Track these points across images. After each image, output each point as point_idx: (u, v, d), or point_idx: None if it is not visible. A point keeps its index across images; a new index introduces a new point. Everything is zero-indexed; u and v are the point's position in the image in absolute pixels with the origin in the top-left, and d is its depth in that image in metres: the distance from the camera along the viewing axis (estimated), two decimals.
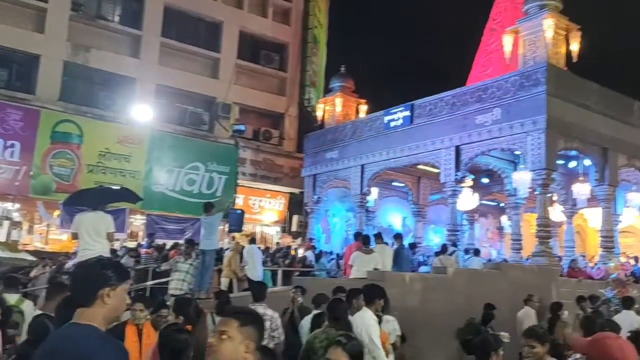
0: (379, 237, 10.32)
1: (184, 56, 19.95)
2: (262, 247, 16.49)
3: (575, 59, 12.92)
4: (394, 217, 20.50)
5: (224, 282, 11.33)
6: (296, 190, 20.61)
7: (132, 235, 17.88)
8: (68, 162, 16.63)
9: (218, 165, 18.70)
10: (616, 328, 4.52)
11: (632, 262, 15.30)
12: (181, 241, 13.35)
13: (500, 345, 3.67)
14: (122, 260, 10.92)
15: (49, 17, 17.44)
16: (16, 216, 16.33)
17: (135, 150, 17.63)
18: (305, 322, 6.29)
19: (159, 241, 15.17)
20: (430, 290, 9.63)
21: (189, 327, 4.46)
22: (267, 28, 21.79)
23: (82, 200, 9.05)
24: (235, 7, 21.21)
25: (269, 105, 21.53)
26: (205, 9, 20.40)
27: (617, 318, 7.79)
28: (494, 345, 3.59)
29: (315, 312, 5.88)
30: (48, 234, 17.53)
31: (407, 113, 15.01)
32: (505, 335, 5.85)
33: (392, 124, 15.49)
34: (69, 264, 10.96)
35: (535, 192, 12.56)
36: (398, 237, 11.37)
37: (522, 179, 13.65)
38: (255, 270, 11.43)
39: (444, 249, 12.07)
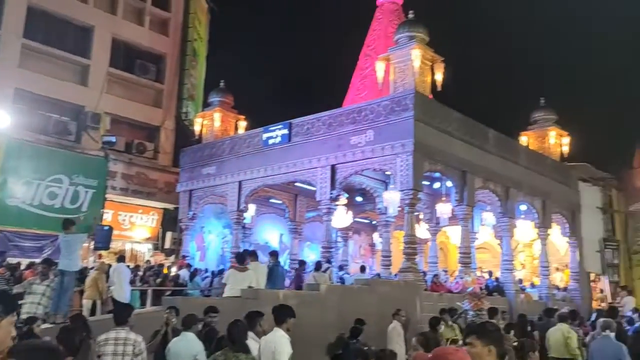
0: (253, 254, 10.27)
1: (49, 60, 18.50)
2: (132, 265, 15.68)
3: (439, 88, 13.97)
4: (271, 234, 20.55)
5: (86, 305, 10.58)
6: (170, 206, 19.90)
7: None
8: None
9: (85, 178, 17.46)
10: None
11: (487, 276, 16.74)
12: (38, 260, 12.24)
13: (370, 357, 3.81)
14: None
15: None
16: None
17: None
18: (173, 345, 6.06)
19: (13, 260, 13.82)
20: (304, 306, 9.74)
21: (70, 358, 4.16)
22: (144, 37, 20.98)
23: None
24: (108, 12, 20.17)
25: (144, 117, 20.65)
26: (74, 11, 19.11)
27: None
28: (363, 356, 3.74)
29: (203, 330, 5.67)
30: None
31: (286, 131, 15.20)
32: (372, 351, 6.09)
33: (271, 141, 15.59)
34: None
35: (404, 211, 13.26)
36: (273, 254, 11.41)
37: (392, 198, 14.40)
38: (122, 290, 10.82)
39: (317, 266, 12.32)
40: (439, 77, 13.84)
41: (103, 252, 14.96)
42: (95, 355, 5.41)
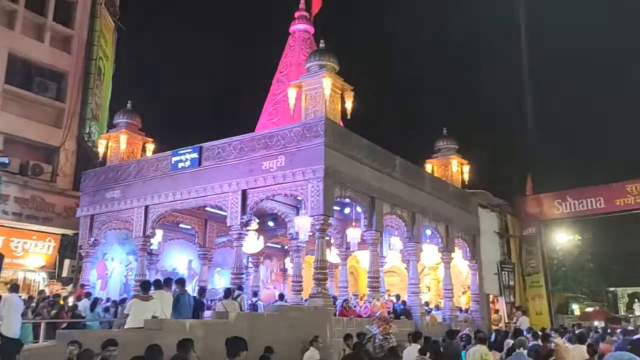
0: (157, 283, 9.86)
1: None
2: (25, 296, 14.52)
3: (349, 116, 14.34)
4: (180, 260, 19.89)
5: None
6: (70, 232, 18.72)
7: None
8: None
9: None
10: None
11: (394, 299, 17.15)
12: None
13: None
14: None
15: None
16: None
17: None
18: None
19: None
20: (213, 336, 9.45)
21: None
22: (44, 54, 19.86)
23: None
24: (5, 26, 18.97)
25: (42, 137, 19.41)
26: None
27: (405, 352, 8.76)
28: None
29: None
30: None
31: (196, 155, 14.87)
32: None
33: (180, 165, 15.18)
34: None
35: (315, 236, 13.33)
36: (179, 282, 11.01)
37: (303, 224, 14.46)
38: (12, 324, 9.93)
39: (227, 293, 12.03)
40: (348, 105, 14.22)
41: None
42: None
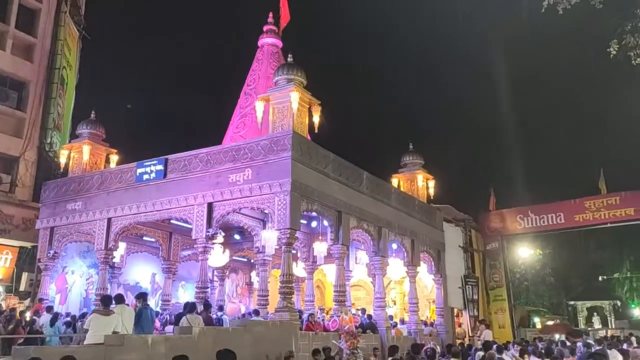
0: (119, 297, 9.65)
1: None
2: None
3: (316, 130, 14.41)
4: (143, 274, 19.51)
5: None
6: (28, 244, 18.16)
7: None
8: None
9: None
10: None
11: (360, 313, 17.17)
12: None
13: None
14: None
15: None
16: None
17: None
18: None
19: None
20: (176, 351, 9.26)
21: None
22: (5, 62, 19.35)
23: None
24: None
25: (1, 147, 18.82)
26: None
27: None
28: None
29: None
30: None
31: (161, 167, 14.67)
32: None
33: (145, 177, 14.94)
34: None
35: (282, 250, 13.27)
36: (141, 296, 10.79)
37: (269, 237, 14.41)
38: None
39: (191, 308, 11.82)
40: (316, 119, 14.29)
41: None
42: None
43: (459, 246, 22.61)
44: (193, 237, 14.04)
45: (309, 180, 13.29)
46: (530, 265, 36.51)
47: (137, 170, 15.11)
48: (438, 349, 15.27)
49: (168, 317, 15.11)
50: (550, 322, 33.20)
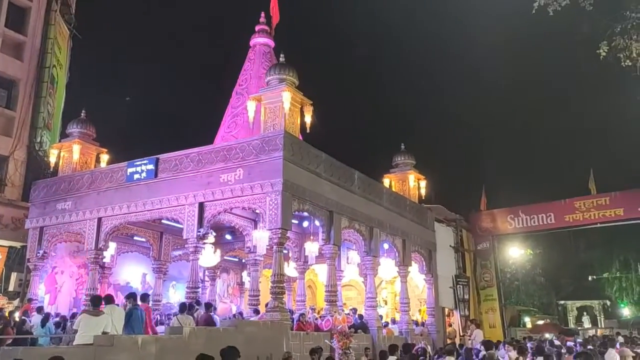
0: (109, 298, 9.60)
1: None
2: None
3: (308, 130, 14.40)
4: (134, 274, 19.42)
5: None
6: (17, 244, 18.01)
7: None
8: None
9: None
10: None
11: (352, 313, 17.19)
12: None
13: None
14: None
15: None
16: None
17: None
18: None
19: None
20: (166, 352, 9.25)
21: None
22: None
23: None
24: None
25: None
26: None
27: None
28: None
29: None
30: None
31: (152, 167, 14.60)
32: None
33: (135, 176, 14.87)
34: None
35: (273, 250, 13.24)
36: (131, 296, 10.73)
37: (261, 237, 14.37)
38: None
39: (182, 308, 11.79)
40: (308, 119, 14.28)
41: None
42: None
43: (450, 246, 22.68)
44: (184, 237, 14.00)
45: (301, 180, 13.28)
46: (521, 265, 36.73)
47: (128, 169, 15.03)
48: (429, 348, 15.37)
49: (159, 318, 15.07)
50: (540, 322, 33.44)
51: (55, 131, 21.68)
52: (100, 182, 15.62)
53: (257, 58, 20.34)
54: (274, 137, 13.01)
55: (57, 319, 14.46)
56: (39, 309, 14.36)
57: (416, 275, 20.19)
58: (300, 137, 14.68)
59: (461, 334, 20.89)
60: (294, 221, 14.40)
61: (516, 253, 33.64)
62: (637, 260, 38.05)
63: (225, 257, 19.71)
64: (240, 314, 15.62)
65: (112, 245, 16.86)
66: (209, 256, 16.61)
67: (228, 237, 18.75)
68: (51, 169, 17.91)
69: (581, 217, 23.02)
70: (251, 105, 14.59)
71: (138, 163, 14.90)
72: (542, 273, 39.08)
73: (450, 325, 21.44)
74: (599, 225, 23.50)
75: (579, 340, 18.38)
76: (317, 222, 14.56)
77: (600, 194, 22.94)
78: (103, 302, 9.43)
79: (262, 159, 12.93)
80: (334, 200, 14.51)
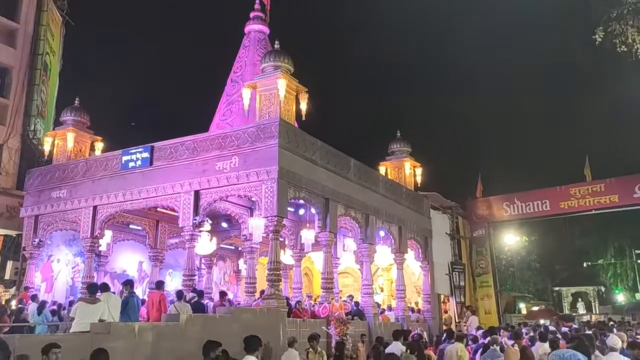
0: (105, 285, 9.60)
1: None
2: None
3: (303, 118, 14.34)
4: (130, 262, 19.41)
5: None
6: (13, 233, 17.99)
7: None
8: None
9: None
10: None
11: (349, 300, 17.26)
12: None
13: None
14: None
15: None
16: None
17: None
18: None
19: None
20: (163, 339, 9.27)
21: None
22: None
23: None
24: None
25: None
26: None
27: (387, 350, 9.39)
28: None
29: None
30: None
31: (147, 155, 14.53)
32: None
33: (131, 164, 14.81)
34: None
35: (269, 237, 13.24)
36: (127, 284, 10.74)
37: (257, 225, 14.35)
38: None
39: (179, 295, 11.81)
40: (303, 106, 14.21)
41: None
42: None
43: (446, 233, 22.76)
44: (180, 225, 13.98)
45: (296, 168, 13.24)
46: (516, 251, 36.93)
47: (123, 157, 14.97)
48: (425, 335, 15.48)
49: None
50: (535, 308, 33.71)
51: (49, 119, 21.57)
52: (95, 170, 15.55)
53: (252, 45, 20.20)
54: (270, 125, 12.95)
55: (54, 307, 14.49)
56: (34, 297, 14.37)
57: (412, 262, 20.26)
58: (296, 125, 14.62)
59: (457, 321, 21.03)
60: (289, 209, 14.40)
61: (512, 240, 33.79)
62: (631, 246, 38.31)
63: (222, 245, 19.72)
64: (224, 293, 15.48)
65: (108, 234, 16.83)
66: (205, 244, 16.60)
67: (224, 225, 18.74)
68: (45, 157, 17.84)
69: (576, 204, 23.08)
70: (246, 93, 14.50)
71: (133, 151, 14.83)
72: (537, 260, 39.33)
73: (446, 312, 21.57)
74: (594, 212, 23.60)
75: (575, 326, 18.49)
76: (313, 210, 14.55)
77: (595, 181, 22.99)
78: (99, 290, 9.42)
79: (258, 147, 12.88)
80: (329, 188, 14.50)
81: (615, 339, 6.34)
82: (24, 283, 16.18)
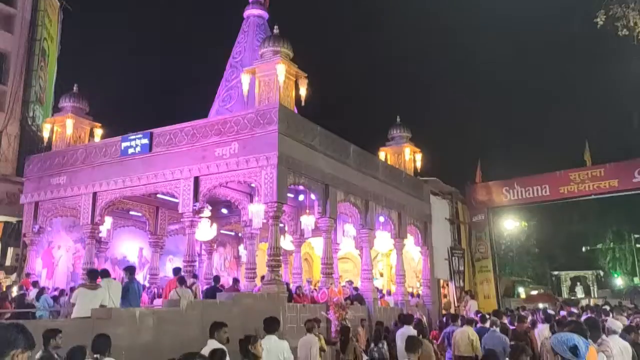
0: (105, 272, 9.64)
1: None
2: None
3: (303, 103, 14.27)
4: (130, 248, 19.48)
5: None
6: (13, 219, 18.03)
7: None
8: None
9: None
10: None
11: (348, 285, 17.35)
12: None
13: None
14: None
15: None
16: None
17: None
18: None
19: None
20: (164, 324, 9.33)
21: None
22: None
23: None
24: None
25: None
26: None
27: (399, 333, 9.74)
28: None
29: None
30: None
31: (146, 141, 14.51)
32: None
33: (130, 150, 14.79)
34: None
35: (269, 223, 13.27)
36: (128, 270, 10.79)
37: (257, 211, 14.36)
38: None
39: (181, 281, 11.86)
40: (302, 92, 14.15)
41: None
42: None
43: (446, 218, 22.80)
44: (180, 211, 14.00)
45: (296, 154, 13.23)
46: (516, 236, 37.06)
47: (122, 144, 14.94)
48: (424, 319, 15.58)
49: (156, 291, 15.18)
50: (534, 292, 33.91)
51: (47, 105, 21.50)
52: (94, 157, 15.53)
53: (251, 30, 20.06)
54: (269, 111, 12.90)
55: (55, 292, 14.56)
56: (35, 283, 14.43)
57: (412, 247, 20.32)
58: (295, 110, 14.57)
59: (456, 305, 21.15)
60: (289, 194, 14.39)
61: (511, 225, 33.90)
62: (630, 231, 38.44)
63: (222, 231, 19.75)
64: (236, 280, 15.66)
65: (108, 220, 16.86)
66: (205, 230, 16.62)
67: (224, 211, 18.76)
68: (45, 144, 17.79)
69: (576, 189, 23.08)
70: (245, 78, 14.42)
71: (132, 137, 14.80)
72: (536, 244, 39.47)
73: (445, 297, 21.69)
74: (593, 196, 23.61)
75: (574, 310, 18.59)
76: (312, 196, 14.55)
77: (595, 166, 22.97)
78: (100, 276, 9.46)
79: (257, 133, 12.86)
80: (329, 174, 14.49)
81: (617, 322, 6.42)
82: (25, 269, 16.25)
